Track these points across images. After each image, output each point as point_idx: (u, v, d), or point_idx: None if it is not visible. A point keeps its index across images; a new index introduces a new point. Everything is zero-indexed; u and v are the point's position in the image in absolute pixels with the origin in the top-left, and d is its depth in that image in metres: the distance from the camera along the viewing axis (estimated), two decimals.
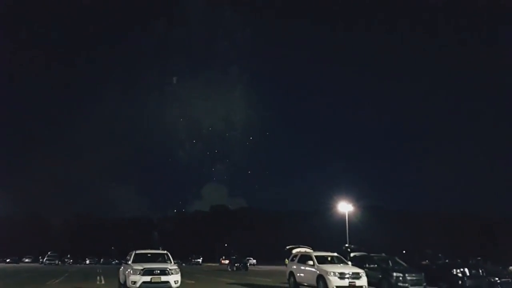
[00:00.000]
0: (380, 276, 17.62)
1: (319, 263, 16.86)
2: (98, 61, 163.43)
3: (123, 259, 17.50)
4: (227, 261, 57.41)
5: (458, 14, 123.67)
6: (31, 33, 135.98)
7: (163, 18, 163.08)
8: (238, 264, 44.76)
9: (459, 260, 22.98)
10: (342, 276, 15.64)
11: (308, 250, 20.37)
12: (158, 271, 14.19)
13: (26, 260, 73.11)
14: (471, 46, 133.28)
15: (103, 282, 23.11)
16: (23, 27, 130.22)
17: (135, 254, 15.85)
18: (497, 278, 19.44)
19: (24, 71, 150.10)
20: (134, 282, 13.88)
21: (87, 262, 74.07)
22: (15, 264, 63.10)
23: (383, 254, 20.83)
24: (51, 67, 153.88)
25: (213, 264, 72.05)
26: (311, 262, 17.14)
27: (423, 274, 17.58)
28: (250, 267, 50.20)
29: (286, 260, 20.19)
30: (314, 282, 16.55)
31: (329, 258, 17.88)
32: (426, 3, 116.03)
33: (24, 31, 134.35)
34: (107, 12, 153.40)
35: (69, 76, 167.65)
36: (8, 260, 68.95)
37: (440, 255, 21.94)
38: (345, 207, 39.77)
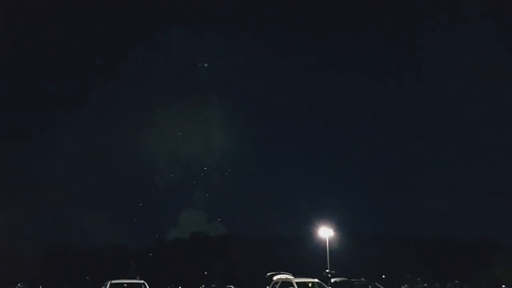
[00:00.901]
0: None
1: None
2: (74, 87, 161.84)
3: None
4: None
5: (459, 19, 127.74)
6: (9, 63, 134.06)
7: (142, 45, 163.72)
8: None
9: (437, 284, 23.22)
10: None
11: (289, 276, 20.22)
12: None
13: None
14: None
15: None
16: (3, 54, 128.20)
17: (111, 284, 15.44)
18: None
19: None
20: None
21: None
22: None
23: (363, 279, 20.90)
24: (23, 90, 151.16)
25: None
26: None
27: None
28: None
29: (267, 287, 19.97)
30: None
31: (310, 285, 17.81)
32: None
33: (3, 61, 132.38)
34: (88, 38, 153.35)
35: (45, 103, 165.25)
36: None
37: (418, 279, 22.14)
38: (325, 233, 39.80)
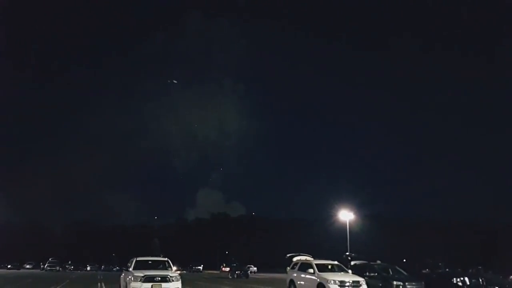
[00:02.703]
0: (380, 284, 17.65)
1: (319, 271, 16.93)
2: (96, 71, 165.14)
3: (124, 266, 17.55)
4: (227, 269, 57.25)
5: (458, 21, 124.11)
6: (31, 39, 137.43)
7: (161, 29, 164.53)
8: (238, 272, 44.69)
9: (459, 269, 22.97)
10: (342, 284, 15.70)
11: (308, 258, 20.43)
12: (159, 278, 14.24)
13: (27, 266, 73.09)
14: (467, 58, 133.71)
15: None
16: (23, 32, 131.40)
17: (136, 261, 15.89)
18: (497, 287, 19.47)
19: (23, 79, 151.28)
20: None
21: (88, 268, 73.95)
22: (16, 270, 63.08)
23: (379, 262, 20.88)
24: (49, 75, 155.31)
25: (214, 272, 71.80)
26: (311, 270, 17.21)
27: (423, 282, 17.62)
28: (250, 275, 50.06)
29: (288, 268, 20.24)
30: None
31: (329, 266, 17.94)
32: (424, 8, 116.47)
33: (24, 37, 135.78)
34: (107, 22, 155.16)
35: (68, 85, 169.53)
36: (9, 266, 68.96)
37: (440, 264, 21.89)
38: (346, 216, 39.80)
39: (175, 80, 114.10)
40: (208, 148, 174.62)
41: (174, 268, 16.58)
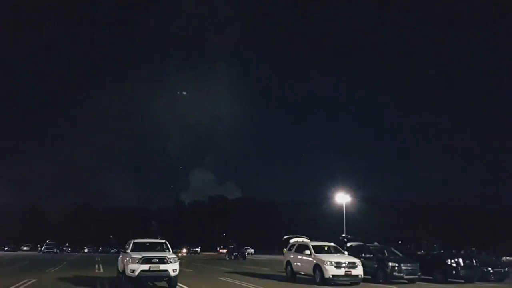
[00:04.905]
0: (376, 265, 17.86)
1: (316, 252, 17.10)
2: (91, 54, 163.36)
3: (121, 248, 17.59)
4: (225, 250, 57.83)
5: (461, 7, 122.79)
6: (23, 26, 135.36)
7: (154, 12, 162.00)
8: (236, 253, 45.16)
9: (453, 251, 23.22)
10: (338, 265, 15.87)
11: (305, 239, 20.61)
12: (157, 260, 14.27)
13: (25, 248, 73.51)
14: (471, 39, 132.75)
15: (101, 270, 23.35)
16: (17, 21, 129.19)
17: (134, 243, 15.89)
18: (490, 268, 19.77)
19: (21, 64, 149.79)
20: (133, 271, 13.97)
21: (86, 250, 74.47)
22: (13, 252, 63.43)
23: (376, 243, 21.09)
24: (45, 60, 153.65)
25: (211, 253, 72.58)
26: (308, 252, 17.39)
27: (418, 264, 17.83)
28: (248, 256, 50.61)
29: (285, 249, 20.42)
30: (311, 271, 16.80)
31: (326, 248, 18.12)
32: None
33: (18, 24, 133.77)
34: (98, 5, 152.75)
35: (64, 70, 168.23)
36: (6, 248, 69.27)
37: (435, 245, 22.11)
38: (342, 198, 40.09)
39: (184, 91, 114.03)
40: (202, 131, 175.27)
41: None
